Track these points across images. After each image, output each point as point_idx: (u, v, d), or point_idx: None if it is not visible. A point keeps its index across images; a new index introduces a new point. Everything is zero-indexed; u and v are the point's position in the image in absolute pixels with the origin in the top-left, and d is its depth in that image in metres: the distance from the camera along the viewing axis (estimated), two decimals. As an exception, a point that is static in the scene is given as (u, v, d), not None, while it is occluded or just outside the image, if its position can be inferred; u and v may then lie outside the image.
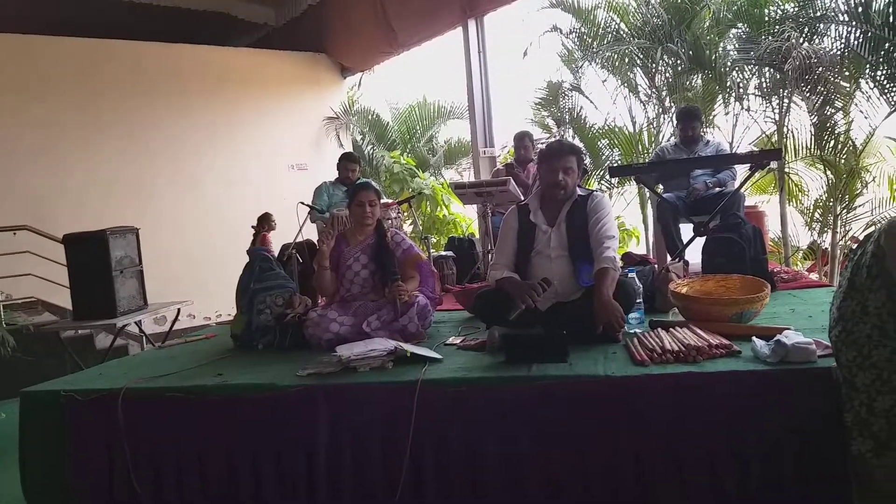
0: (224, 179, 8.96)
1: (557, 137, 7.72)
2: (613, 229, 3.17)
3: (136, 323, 5.92)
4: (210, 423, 2.76)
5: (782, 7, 6.00)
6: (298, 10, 9.96)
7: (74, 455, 2.87)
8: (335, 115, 9.92)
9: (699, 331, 2.76)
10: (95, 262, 5.33)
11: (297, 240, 4.80)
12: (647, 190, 6.26)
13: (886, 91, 5.41)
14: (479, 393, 2.53)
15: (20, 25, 7.72)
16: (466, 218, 9.81)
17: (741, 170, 5.26)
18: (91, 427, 2.86)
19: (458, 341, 3.26)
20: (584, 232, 3.16)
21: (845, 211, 6.04)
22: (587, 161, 7.44)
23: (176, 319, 6.18)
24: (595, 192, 3.29)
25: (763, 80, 6.16)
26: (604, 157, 7.60)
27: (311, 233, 5.54)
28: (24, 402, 3.01)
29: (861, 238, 2.13)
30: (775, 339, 2.40)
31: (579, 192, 3.27)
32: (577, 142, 7.80)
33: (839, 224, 6.06)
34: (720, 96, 6.55)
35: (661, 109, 6.96)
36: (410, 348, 2.91)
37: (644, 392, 2.37)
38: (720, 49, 6.42)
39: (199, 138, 8.86)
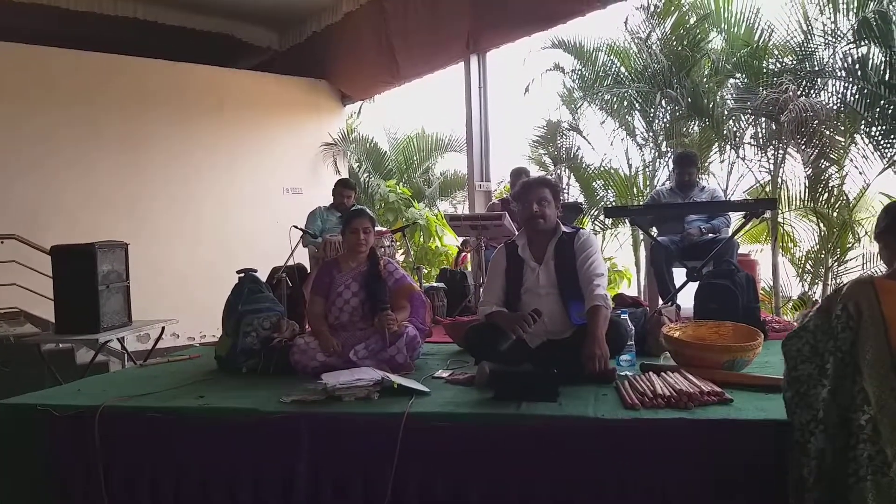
0: (219, 199, 8.93)
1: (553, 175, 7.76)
2: (602, 267, 3.16)
3: (118, 339, 5.83)
4: (189, 445, 2.70)
5: (781, 60, 6.09)
6: (302, 37, 10.05)
7: (48, 471, 2.79)
8: (333, 142, 9.95)
9: (691, 377, 2.73)
10: (81, 275, 5.25)
11: (288, 263, 4.76)
12: (640, 232, 6.28)
13: (881, 147, 5.48)
14: (466, 429, 2.49)
15: (24, 36, 7.73)
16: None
17: (735, 217, 5.28)
18: (65, 444, 2.79)
19: (446, 375, 3.22)
20: (572, 269, 3.15)
21: (836, 264, 6.07)
22: (582, 201, 7.48)
23: (160, 338, 6.09)
24: (581, 230, 3.29)
25: (759, 130, 6.23)
26: (598, 197, 7.63)
27: (302, 257, 5.51)
28: (-2, 414, 2.93)
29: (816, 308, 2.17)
30: None
31: (565, 229, 3.26)
32: (572, 181, 7.85)
33: (830, 276, 6.08)
34: (716, 144, 6.61)
35: (657, 153, 7.01)
36: (397, 379, 2.86)
37: (634, 436, 2.34)
38: (718, 97, 6.49)
39: (197, 157, 8.85)
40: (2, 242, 6.54)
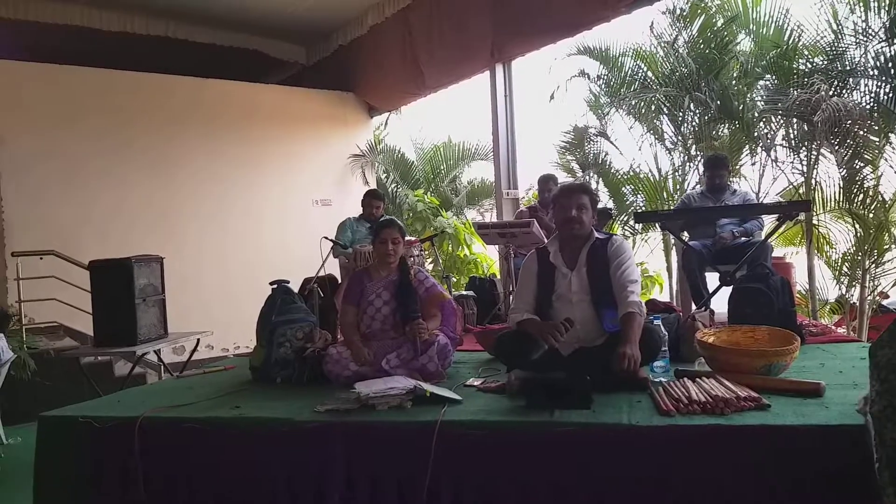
0: (249, 212, 9.06)
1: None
2: (636, 273, 3.14)
3: (155, 352, 5.93)
4: (226, 455, 2.74)
5: (811, 60, 6.00)
6: (329, 50, 10.17)
7: (90, 482, 2.85)
8: (361, 153, 10.04)
9: (726, 382, 2.69)
10: (119, 289, 5.36)
11: (320, 274, 4.81)
12: (672, 237, 6.22)
13: (916, 146, 5.37)
14: (499, 437, 2.49)
15: (57, 56, 7.93)
16: (488, 258, 9.80)
17: (768, 220, 5.21)
18: (107, 454, 2.85)
19: (477, 383, 3.22)
20: (605, 276, 3.12)
21: (874, 266, 5.94)
22: (611, 206, 7.44)
23: (195, 349, 6.19)
24: (615, 237, 3.26)
25: (791, 131, 6.14)
26: (628, 202, 7.58)
27: (333, 267, 5.56)
28: (42, 426, 3.01)
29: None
30: None
31: (598, 235, 3.25)
32: (601, 186, 7.81)
33: (868, 279, 5.95)
34: (747, 146, 6.53)
35: (686, 157, 6.94)
36: (430, 388, 2.87)
37: (670, 443, 2.32)
38: (748, 100, 6.41)
39: (227, 171, 8.99)
40: (41, 258, 6.71)
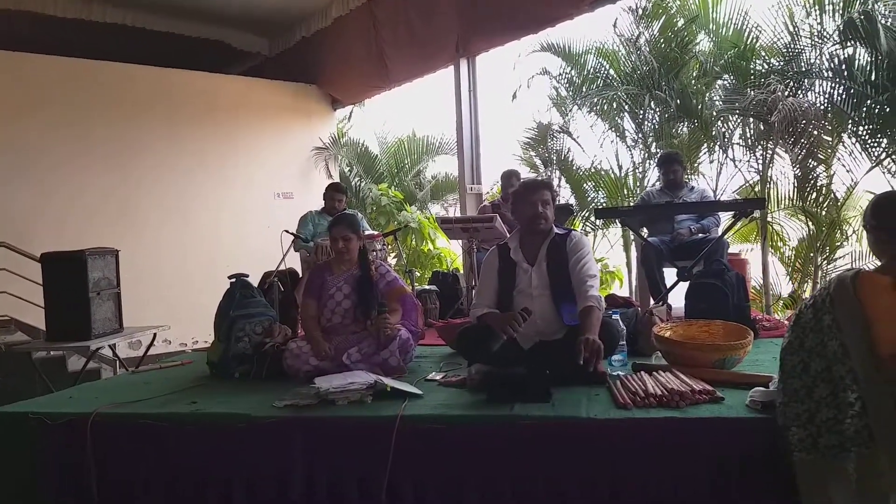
0: (209, 205, 8.91)
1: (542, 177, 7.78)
2: (594, 268, 3.19)
3: (110, 346, 5.80)
4: (182, 451, 2.70)
5: (768, 61, 6.13)
6: (292, 41, 10.05)
7: (41, 479, 2.77)
8: (324, 146, 9.94)
9: (682, 376, 2.75)
10: (72, 282, 5.22)
11: (280, 268, 4.75)
12: (631, 233, 6.31)
13: (868, 146, 5.52)
14: (460, 431, 2.50)
15: (11, 43, 7.69)
16: (452, 253, 9.81)
17: (724, 217, 5.32)
18: (58, 451, 2.78)
19: (439, 377, 3.23)
20: (564, 270, 3.17)
21: (826, 262, 6.11)
22: (572, 202, 7.50)
23: (151, 344, 6.06)
24: (573, 232, 3.31)
25: (748, 130, 6.27)
26: (589, 198, 7.66)
27: (294, 261, 5.50)
28: (-9, 423, 2.92)
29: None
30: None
31: (557, 230, 3.28)
32: (563, 182, 7.88)
33: (820, 275, 6.11)
34: (705, 144, 6.65)
35: (647, 154, 7.04)
36: (390, 383, 2.87)
37: (626, 435, 2.35)
38: (706, 99, 6.53)
39: (186, 163, 8.82)
40: (-8, 250, 6.50)
